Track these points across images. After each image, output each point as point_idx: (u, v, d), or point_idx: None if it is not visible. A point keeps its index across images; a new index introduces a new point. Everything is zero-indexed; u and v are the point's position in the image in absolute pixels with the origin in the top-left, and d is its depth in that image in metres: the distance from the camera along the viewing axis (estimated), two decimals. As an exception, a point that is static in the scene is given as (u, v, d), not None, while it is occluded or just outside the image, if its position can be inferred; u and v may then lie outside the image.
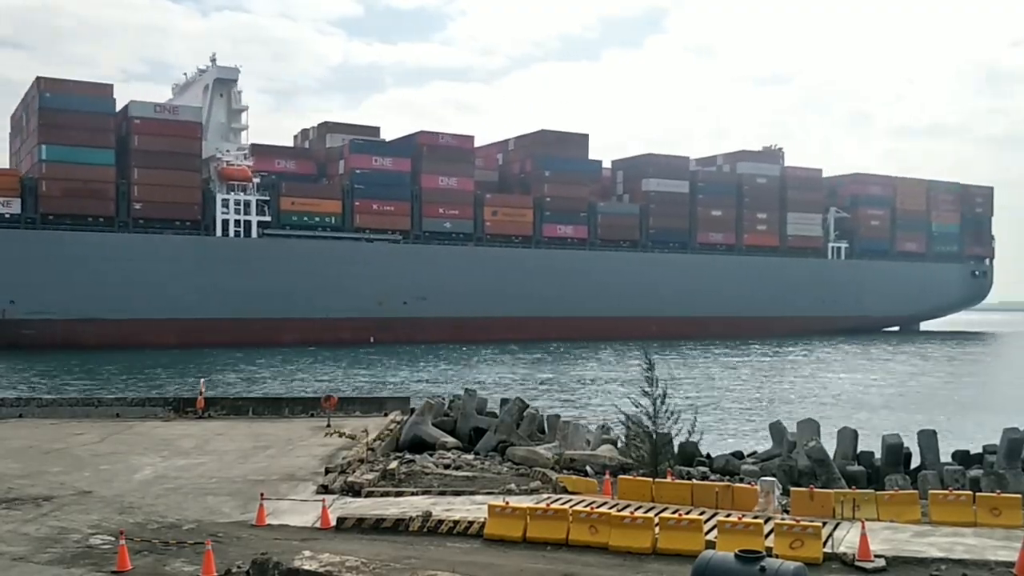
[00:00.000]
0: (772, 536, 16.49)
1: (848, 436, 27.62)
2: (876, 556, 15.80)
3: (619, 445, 27.29)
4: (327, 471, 23.40)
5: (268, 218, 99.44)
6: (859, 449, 27.68)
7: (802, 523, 16.79)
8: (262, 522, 18.56)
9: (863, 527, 16.30)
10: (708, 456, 29.08)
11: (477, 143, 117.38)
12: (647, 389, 23.38)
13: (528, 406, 32.09)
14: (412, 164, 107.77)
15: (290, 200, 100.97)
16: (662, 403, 23.21)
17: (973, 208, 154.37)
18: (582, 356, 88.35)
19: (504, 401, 34.40)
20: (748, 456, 30.30)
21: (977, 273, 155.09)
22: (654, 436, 23.20)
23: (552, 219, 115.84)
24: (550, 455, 26.31)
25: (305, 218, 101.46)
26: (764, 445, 32.50)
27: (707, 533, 16.80)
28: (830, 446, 26.76)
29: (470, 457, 27.94)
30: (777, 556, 14.18)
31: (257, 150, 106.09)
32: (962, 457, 27.76)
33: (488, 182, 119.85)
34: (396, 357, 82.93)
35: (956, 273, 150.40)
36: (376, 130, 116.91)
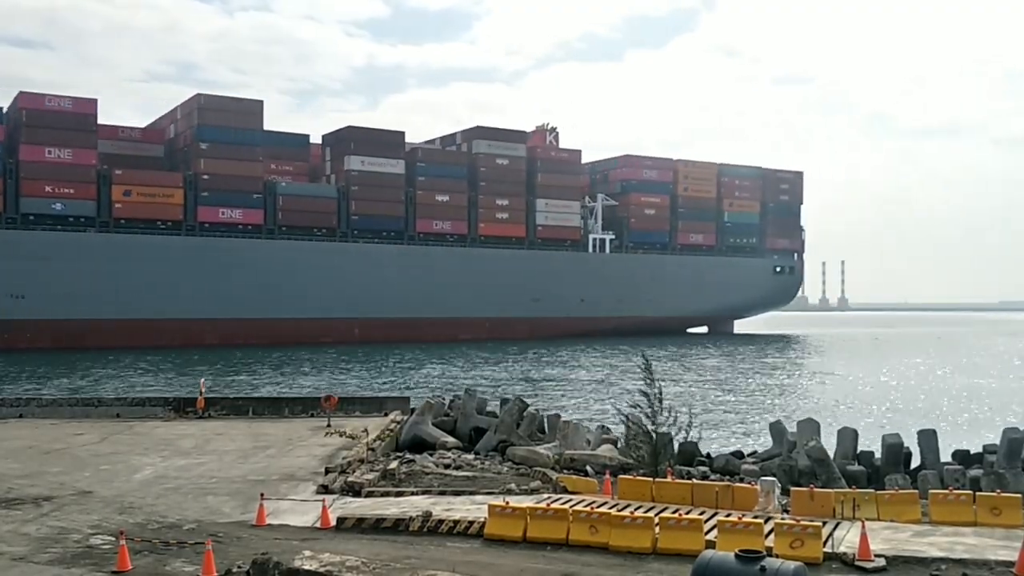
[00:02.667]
0: (772, 536, 16.49)
1: (848, 436, 27.62)
2: (876, 556, 15.79)
3: (619, 445, 27.30)
4: (327, 471, 23.40)
5: None
6: (859, 449, 27.66)
7: (802, 523, 16.78)
8: (262, 522, 18.55)
9: (863, 527, 16.29)
10: (708, 456, 29.08)
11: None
12: (646, 389, 23.40)
13: (528, 406, 32.10)
14: (7, 133, 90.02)
15: None
16: (661, 403, 23.23)
17: (777, 196, 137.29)
18: (235, 368, 72.92)
19: (504, 401, 34.41)
20: (748, 456, 30.31)
21: (781, 269, 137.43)
22: (654, 436, 23.21)
23: (212, 201, 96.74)
24: (550, 455, 26.31)
25: None
26: (764, 445, 32.51)
27: (707, 533, 16.80)
28: (830, 446, 26.75)
29: (470, 457, 27.93)
30: (777, 556, 14.18)
31: None
32: (962, 457, 27.75)
33: (149, 158, 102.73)
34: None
35: (755, 269, 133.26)
36: None
